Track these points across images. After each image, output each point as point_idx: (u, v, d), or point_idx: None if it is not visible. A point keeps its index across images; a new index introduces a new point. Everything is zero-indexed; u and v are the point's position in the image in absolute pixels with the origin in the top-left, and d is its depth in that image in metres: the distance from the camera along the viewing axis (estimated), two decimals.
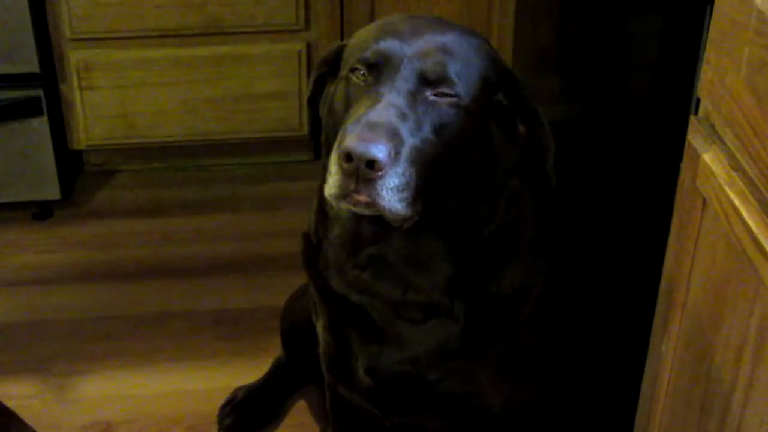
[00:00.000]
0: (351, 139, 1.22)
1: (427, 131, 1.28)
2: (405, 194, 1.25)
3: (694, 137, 1.22)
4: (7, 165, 2.79)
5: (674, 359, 1.32)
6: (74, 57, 2.81)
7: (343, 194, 1.26)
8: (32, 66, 2.70)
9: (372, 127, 1.23)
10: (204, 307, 2.51)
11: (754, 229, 1.04)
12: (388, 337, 1.52)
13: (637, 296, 1.70)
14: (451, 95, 1.30)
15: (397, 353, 1.53)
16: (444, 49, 1.32)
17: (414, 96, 1.29)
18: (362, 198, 1.25)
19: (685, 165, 1.25)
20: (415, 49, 1.31)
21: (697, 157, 1.20)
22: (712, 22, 1.16)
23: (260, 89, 2.90)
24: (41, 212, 2.88)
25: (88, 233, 2.83)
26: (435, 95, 1.30)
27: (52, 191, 2.85)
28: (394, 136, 1.23)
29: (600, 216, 2.13)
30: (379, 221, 1.34)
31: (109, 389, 2.23)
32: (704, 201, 1.19)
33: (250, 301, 2.53)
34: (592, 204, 2.17)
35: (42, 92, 2.73)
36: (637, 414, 1.49)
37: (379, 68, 1.32)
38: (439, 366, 1.53)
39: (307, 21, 2.84)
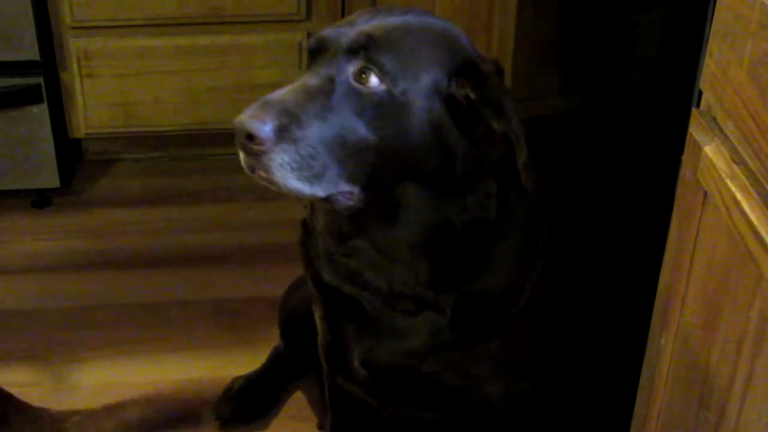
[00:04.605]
0: (239, 114, 1.23)
1: (347, 116, 1.26)
2: (305, 174, 1.24)
3: (696, 130, 1.21)
4: (7, 152, 2.79)
5: (673, 352, 1.32)
6: (75, 45, 2.80)
7: (250, 170, 1.26)
8: (32, 53, 2.70)
9: (262, 104, 1.24)
10: (202, 297, 2.51)
11: (755, 222, 1.04)
12: (382, 329, 1.51)
13: (637, 289, 1.70)
14: (378, 81, 1.27)
15: (392, 345, 1.52)
16: (378, 35, 1.29)
17: (333, 79, 1.28)
18: (261, 174, 1.25)
19: (686, 158, 1.25)
20: (350, 35, 1.30)
21: (698, 149, 1.19)
22: (715, 15, 1.16)
23: (260, 79, 2.90)
24: (40, 200, 2.88)
25: (87, 222, 2.83)
26: (359, 80, 1.28)
27: (51, 179, 2.85)
28: (283, 114, 1.23)
29: (600, 209, 2.13)
30: (354, 213, 1.35)
31: (107, 377, 2.23)
32: (705, 194, 1.19)
33: (248, 290, 2.53)
34: (593, 197, 2.17)
35: (42, 80, 2.73)
36: (636, 406, 1.49)
37: (315, 54, 1.32)
38: (434, 358, 1.53)
39: (308, 11, 2.84)
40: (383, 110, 1.27)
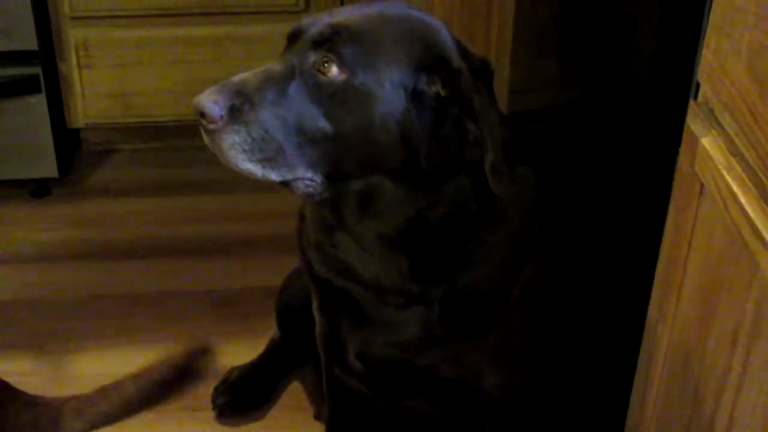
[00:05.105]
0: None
1: (304, 103, 1.27)
2: (257, 156, 1.26)
3: (693, 122, 1.21)
4: (5, 142, 2.78)
5: (669, 342, 1.33)
6: (73, 35, 2.80)
7: (213, 150, 1.29)
8: (31, 43, 2.69)
9: (222, 85, 1.27)
10: (200, 287, 2.51)
11: (752, 214, 1.04)
12: (374, 321, 1.51)
13: (635, 280, 1.70)
14: (338, 71, 1.27)
15: (385, 338, 1.52)
16: (345, 27, 1.29)
17: (294, 67, 1.28)
18: (218, 155, 1.28)
19: (683, 150, 1.25)
20: (319, 25, 1.31)
21: (695, 141, 1.20)
22: (713, 6, 1.16)
23: None
24: (39, 190, 2.88)
25: (86, 212, 2.83)
26: (320, 70, 1.27)
27: (49, 169, 2.85)
28: (237, 95, 1.25)
29: (598, 201, 2.13)
30: (333, 204, 1.36)
31: (104, 367, 2.22)
32: (702, 186, 1.19)
33: (246, 281, 2.53)
34: (591, 189, 2.18)
35: (40, 70, 2.72)
36: (632, 396, 1.49)
37: (291, 42, 1.34)
38: (428, 351, 1.52)
39: (308, 1, 2.84)
40: (342, 101, 1.27)
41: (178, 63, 2.88)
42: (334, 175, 1.31)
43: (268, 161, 1.27)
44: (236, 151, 1.26)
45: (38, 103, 2.75)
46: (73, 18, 2.78)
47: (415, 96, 1.30)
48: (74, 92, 2.88)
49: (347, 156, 1.30)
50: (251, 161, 1.27)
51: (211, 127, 1.25)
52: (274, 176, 1.29)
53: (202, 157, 3.05)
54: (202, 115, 1.25)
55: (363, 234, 1.39)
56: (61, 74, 2.86)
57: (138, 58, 2.86)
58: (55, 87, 2.85)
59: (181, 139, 3.10)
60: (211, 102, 1.24)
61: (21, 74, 2.71)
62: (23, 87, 2.72)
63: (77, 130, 3.05)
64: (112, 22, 2.81)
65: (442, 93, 1.31)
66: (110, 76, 2.88)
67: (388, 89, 1.28)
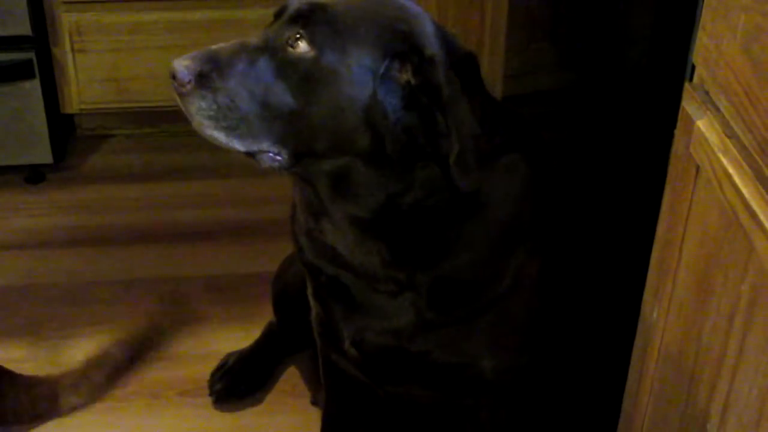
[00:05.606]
0: None
1: (272, 77, 1.29)
2: (222, 123, 1.29)
3: (689, 104, 1.21)
4: None
5: (665, 326, 1.33)
6: (67, 20, 2.79)
7: (185, 114, 1.32)
8: (24, 28, 2.69)
9: (198, 52, 1.30)
10: (195, 273, 2.51)
11: (747, 196, 1.04)
12: (367, 308, 1.51)
13: (632, 266, 1.70)
14: (307, 49, 1.28)
15: (378, 325, 1.52)
16: (322, 6, 1.30)
17: (268, 41, 1.31)
18: (189, 119, 1.31)
19: (679, 132, 1.25)
20: (299, 2, 1.32)
21: (691, 123, 1.19)
22: None
23: None
24: (33, 176, 2.88)
25: (80, 197, 2.83)
26: (291, 44, 1.29)
27: (44, 155, 2.85)
28: (208, 62, 1.28)
29: (594, 185, 2.13)
30: (313, 187, 1.38)
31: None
32: (697, 168, 1.18)
33: (241, 266, 2.54)
34: (586, 173, 2.17)
35: (34, 55, 2.71)
36: (628, 381, 1.49)
37: (275, 19, 1.36)
38: (421, 337, 1.52)
39: None
40: (308, 78, 1.28)
41: (172, 47, 2.87)
42: (300, 153, 1.32)
43: (233, 130, 1.29)
44: (201, 116, 1.29)
45: (32, 88, 2.74)
46: (66, 2, 2.77)
47: (384, 82, 1.29)
48: (68, 77, 2.87)
49: (312, 134, 1.31)
50: (216, 128, 1.30)
51: (180, 90, 1.28)
52: (238, 145, 1.31)
53: (196, 143, 3.04)
54: (174, 77, 1.28)
55: (337, 216, 1.40)
56: (55, 59, 2.85)
57: (132, 42, 2.86)
58: (49, 72, 2.84)
59: (175, 123, 3.09)
60: (183, 66, 1.28)
61: (15, 59, 2.70)
62: (17, 72, 2.71)
63: (71, 116, 3.05)
64: (105, 7, 2.80)
65: (413, 81, 1.30)
66: (104, 61, 2.87)
67: (356, 72, 1.29)
